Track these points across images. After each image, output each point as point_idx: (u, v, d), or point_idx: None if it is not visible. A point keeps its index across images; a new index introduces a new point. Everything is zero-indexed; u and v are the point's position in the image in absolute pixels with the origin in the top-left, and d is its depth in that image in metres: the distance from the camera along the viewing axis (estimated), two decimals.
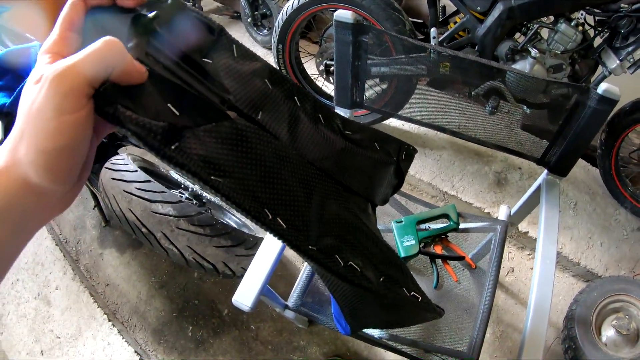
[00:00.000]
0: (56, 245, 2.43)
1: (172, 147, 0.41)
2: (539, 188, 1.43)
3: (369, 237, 0.66)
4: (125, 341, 2.05)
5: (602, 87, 1.17)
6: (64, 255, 2.39)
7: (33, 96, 0.36)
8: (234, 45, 0.56)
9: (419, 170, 2.43)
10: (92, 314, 2.16)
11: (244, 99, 0.54)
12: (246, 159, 0.49)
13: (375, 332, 1.42)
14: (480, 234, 1.60)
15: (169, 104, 0.42)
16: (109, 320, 2.12)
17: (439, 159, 2.49)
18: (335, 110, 1.55)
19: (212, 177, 0.44)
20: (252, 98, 0.55)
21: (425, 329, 1.45)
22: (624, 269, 2.22)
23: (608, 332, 1.89)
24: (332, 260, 0.56)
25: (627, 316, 1.88)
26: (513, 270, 2.27)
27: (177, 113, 0.42)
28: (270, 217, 0.50)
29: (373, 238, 0.67)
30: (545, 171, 1.42)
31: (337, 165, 0.66)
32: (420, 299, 0.70)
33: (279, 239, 0.51)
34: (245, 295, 1.15)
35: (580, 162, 2.57)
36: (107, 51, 0.38)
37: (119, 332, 2.08)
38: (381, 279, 0.63)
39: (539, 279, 1.21)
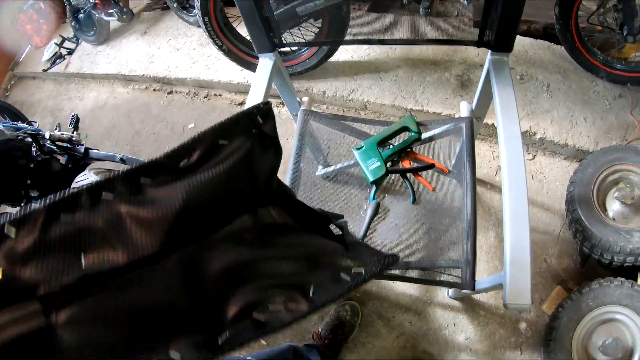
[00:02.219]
0: None
1: None
2: (488, 72, 1.36)
3: (274, 259, 0.62)
4: None
5: None
6: None
7: None
8: None
9: (379, 95, 2.37)
10: None
11: None
12: None
13: None
14: (448, 138, 1.54)
15: None
16: None
17: (396, 78, 2.42)
18: (260, 60, 1.48)
19: None
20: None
21: (425, 249, 1.42)
22: (614, 139, 2.15)
23: (614, 206, 1.83)
24: (250, 326, 0.54)
25: (628, 185, 1.81)
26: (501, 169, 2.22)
27: None
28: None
29: (276, 255, 0.62)
30: (489, 52, 1.35)
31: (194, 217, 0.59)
32: (363, 273, 0.65)
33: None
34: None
35: (543, 44, 2.48)
36: None
37: None
38: (311, 294, 0.59)
39: (508, 162, 1.16)
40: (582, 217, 1.78)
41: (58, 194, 0.50)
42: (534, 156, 2.26)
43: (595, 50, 2.26)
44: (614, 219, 1.80)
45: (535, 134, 2.20)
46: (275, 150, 0.74)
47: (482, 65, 2.38)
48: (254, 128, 0.69)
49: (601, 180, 1.86)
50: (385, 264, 0.68)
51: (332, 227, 0.90)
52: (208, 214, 0.60)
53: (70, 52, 3.84)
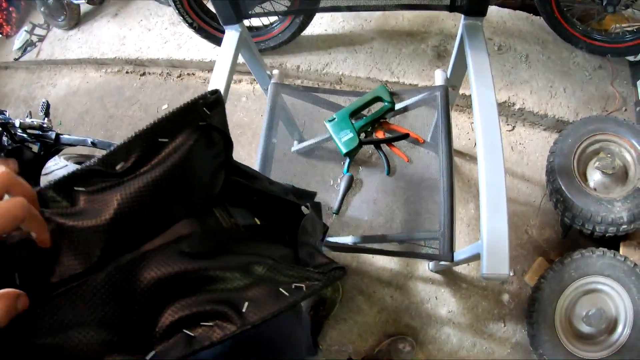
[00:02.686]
0: None
1: None
2: (462, 38, 1.32)
3: (212, 270, 0.56)
4: None
5: None
6: None
7: None
8: None
9: (354, 68, 2.31)
10: None
11: None
12: None
13: (347, 239, 1.35)
14: (423, 108, 1.50)
15: None
16: None
17: (371, 51, 2.36)
18: (225, 32, 1.42)
19: None
20: None
21: (404, 221, 1.39)
22: (595, 110, 2.15)
23: (594, 176, 1.82)
24: (180, 342, 0.52)
25: (609, 155, 1.80)
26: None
27: None
28: None
29: (214, 266, 0.57)
30: (462, 17, 1.30)
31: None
32: (304, 289, 0.61)
33: None
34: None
35: (521, 15, 2.44)
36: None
37: None
38: (244, 309, 0.55)
39: (483, 128, 1.12)
40: (563, 188, 1.76)
41: None
42: (514, 127, 2.23)
43: (575, 21, 2.22)
44: (595, 189, 1.79)
45: (514, 104, 2.17)
46: (224, 144, 0.68)
47: None
48: (200, 120, 0.62)
49: (582, 150, 1.84)
50: (330, 280, 0.64)
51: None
52: (143, 221, 0.55)
53: (41, 38, 3.73)
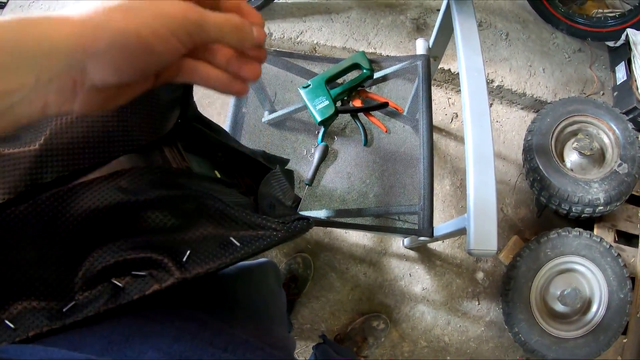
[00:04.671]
0: None
1: None
2: (449, 4, 1.25)
3: (152, 211, 0.49)
4: None
5: None
6: None
7: None
8: None
9: (329, 37, 2.22)
10: None
11: None
12: None
13: (320, 213, 1.28)
14: (402, 79, 1.43)
15: None
16: None
17: (348, 20, 2.27)
18: None
19: None
20: None
21: (378, 195, 1.33)
22: (573, 91, 2.15)
23: (571, 157, 1.82)
24: (105, 292, 0.45)
25: (586, 136, 1.79)
26: (457, 116, 2.16)
27: None
28: None
29: (155, 207, 0.49)
30: None
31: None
32: (259, 240, 0.53)
33: None
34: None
35: None
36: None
37: None
38: (185, 259, 0.48)
39: (470, 96, 1.06)
40: (540, 167, 1.75)
41: None
42: (491, 104, 2.20)
43: (557, 2, 2.22)
44: (572, 170, 1.79)
45: (492, 81, 2.15)
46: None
47: (438, 10, 2.26)
48: None
49: (560, 130, 1.84)
50: (291, 231, 0.55)
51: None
52: (78, 152, 0.48)
53: (2, 5, 3.53)
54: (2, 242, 0.41)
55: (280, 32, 2.26)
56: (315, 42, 2.23)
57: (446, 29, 1.35)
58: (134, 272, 0.46)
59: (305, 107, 1.29)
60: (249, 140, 1.39)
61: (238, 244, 0.51)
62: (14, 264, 0.41)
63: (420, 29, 2.24)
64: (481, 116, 1.02)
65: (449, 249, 1.93)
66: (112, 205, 0.45)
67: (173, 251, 0.47)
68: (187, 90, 0.63)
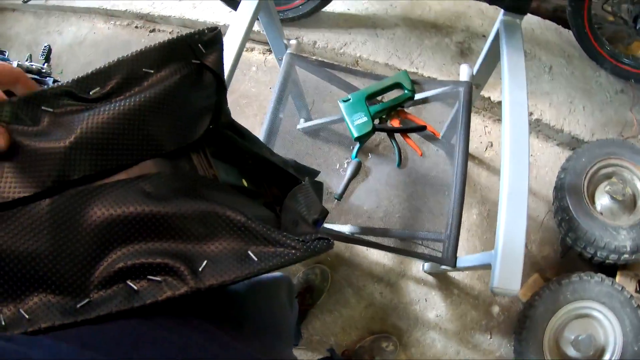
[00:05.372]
0: None
1: None
2: (497, 34, 1.24)
3: (173, 218, 0.49)
4: None
5: None
6: None
7: None
8: None
9: (372, 52, 2.22)
10: None
11: None
12: None
13: (345, 228, 1.28)
14: (441, 103, 1.43)
15: None
16: None
17: (393, 37, 2.27)
18: None
19: None
20: None
21: (404, 217, 1.33)
22: (611, 133, 2.09)
23: (602, 200, 1.78)
24: (121, 293, 0.45)
25: (620, 181, 1.76)
26: (492, 145, 2.14)
27: None
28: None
29: (176, 214, 0.49)
30: (502, 12, 1.23)
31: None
32: (276, 258, 0.52)
33: None
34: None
35: (551, 25, 2.37)
36: None
37: None
38: (201, 269, 0.48)
39: (511, 130, 1.05)
40: (570, 207, 1.71)
41: None
42: None
43: (604, 40, 2.16)
44: (601, 213, 1.75)
45: (532, 114, 2.11)
46: (216, 88, 0.61)
47: (485, 36, 2.26)
48: (193, 58, 0.56)
49: (594, 171, 1.80)
50: (310, 251, 0.54)
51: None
52: (107, 153, 0.48)
53: None
54: (23, 234, 0.42)
55: (324, 41, 2.27)
56: (358, 55, 2.23)
57: (492, 59, 1.34)
58: (149, 277, 0.46)
59: (341, 119, 1.29)
60: (281, 147, 1.39)
61: (255, 259, 0.50)
62: (33, 257, 0.42)
63: (464, 53, 2.23)
64: (520, 154, 1.01)
65: (468, 279, 1.90)
66: (134, 213, 0.46)
67: (190, 260, 0.47)
68: (221, 97, 0.62)
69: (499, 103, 2.11)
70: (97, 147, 0.47)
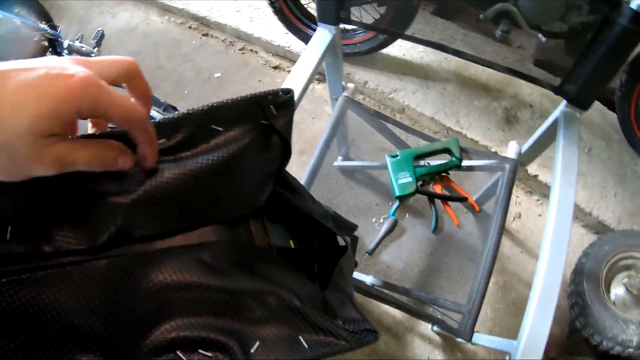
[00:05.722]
0: None
1: None
2: (555, 122, 1.25)
3: (228, 293, 0.48)
4: None
5: (637, 2, 0.96)
6: None
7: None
8: None
9: (421, 103, 2.24)
10: None
11: None
12: None
13: (367, 279, 1.28)
14: (486, 173, 1.44)
15: None
16: None
17: (443, 92, 2.29)
18: (318, 30, 1.36)
19: None
20: None
21: (424, 277, 1.33)
22: (637, 224, 2.09)
23: (617, 290, 1.79)
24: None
25: (639, 274, 1.77)
26: (520, 216, 2.14)
27: None
28: None
29: (233, 289, 0.49)
30: (564, 102, 1.23)
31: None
32: (326, 348, 0.51)
33: None
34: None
35: (597, 105, 2.38)
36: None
37: None
38: (253, 350, 0.47)
39: (555, 226, 1.06)
40: (586, 293, 1.73)
41: None
42: None
43: None
44: (614, 303, 1.76)
45: None
46: (282, 152, 0.60)
47: (531, 106, 2.27)
48: (263, 119, 0.54)
49: (614, 261, 1.81)
50: (359, 343, 0.54)
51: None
52: (169, 213, 0.48)
53: None
54: (77, 292, 0.41)
55: (375, 83, 2.29)
56: (406, 103, 2.25)
57: (543, 143, 1.35)
58: (200, 350, 0.45)
59: (382, 166, 1.30)
60: (316, 186, 1.40)
61: (306, 345, 0.50)
62: (86, 317, 0.41)
63: (509, 120, 2.24)
64: (558, 253, 1.02)
65: (474, 346, 1.88)
66: (193, 285, 0.46)
67: (242, 339, 0.47)
68: (284, 161, 0.61)
69: (535, 177, 2.12)
70: (161, 206, 0.46)
